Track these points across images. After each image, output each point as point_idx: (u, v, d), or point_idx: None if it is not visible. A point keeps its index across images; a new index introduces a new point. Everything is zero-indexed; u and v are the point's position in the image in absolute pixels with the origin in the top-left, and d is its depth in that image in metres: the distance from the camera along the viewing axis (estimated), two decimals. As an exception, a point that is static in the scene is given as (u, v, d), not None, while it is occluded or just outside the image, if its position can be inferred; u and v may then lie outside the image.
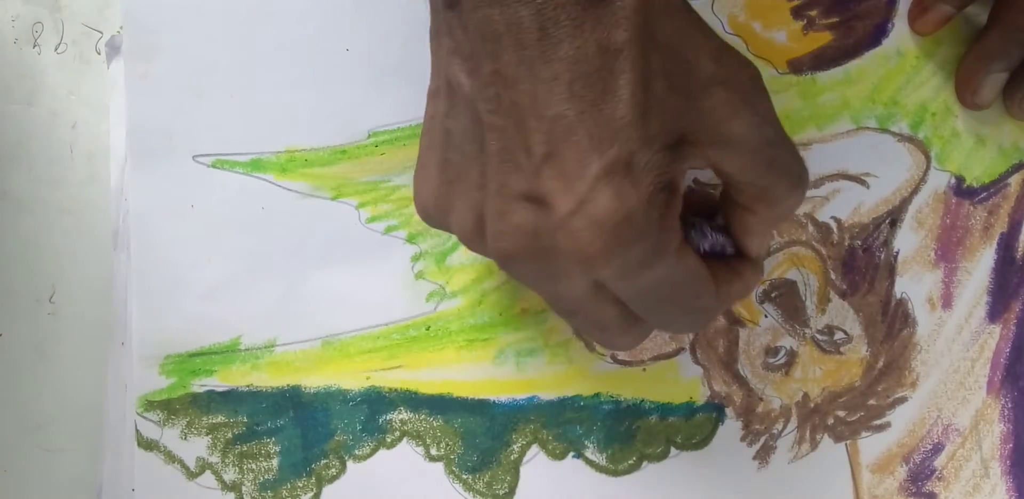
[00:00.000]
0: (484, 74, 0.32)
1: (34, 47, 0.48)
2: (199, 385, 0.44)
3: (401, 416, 0.44)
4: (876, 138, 0.47)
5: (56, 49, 0.48)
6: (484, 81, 0.32)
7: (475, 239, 0.35)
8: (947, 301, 0.46)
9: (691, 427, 0.45)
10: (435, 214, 0.36)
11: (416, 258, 0.45)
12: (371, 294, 0.44)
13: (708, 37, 0.33)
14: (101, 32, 0.48)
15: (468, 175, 0.34)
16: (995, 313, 0.47)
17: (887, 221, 0.46)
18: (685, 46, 0.32)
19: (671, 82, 0.31)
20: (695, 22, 0.33)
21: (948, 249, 0.46)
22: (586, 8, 0.30)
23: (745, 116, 0.32)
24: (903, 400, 0.46)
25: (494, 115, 0.32)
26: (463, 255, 0.45)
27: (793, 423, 0.45)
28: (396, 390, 0.44)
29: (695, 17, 0.33)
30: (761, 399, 0.45)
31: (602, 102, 0.30)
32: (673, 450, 0.44)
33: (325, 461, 0.43)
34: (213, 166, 0.45)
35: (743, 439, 0.45)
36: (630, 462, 0.44)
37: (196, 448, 0.43)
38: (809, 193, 0.46)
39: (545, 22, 0.30)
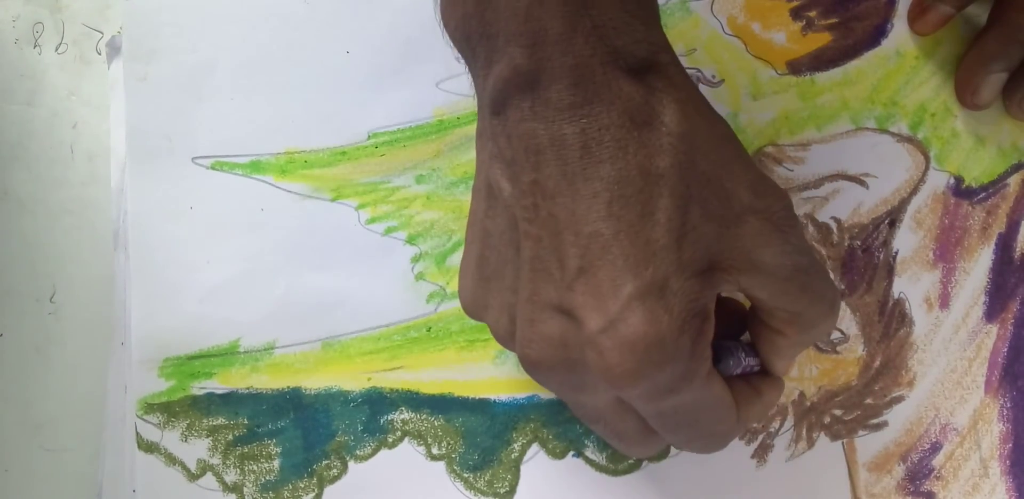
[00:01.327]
0: (524, 183, 0.32)
1: (35, 47, 0.48)
2: (198, 388, 0.44)
3: (402, 416, 0.44)
4: (875, 138, 0.47)
5: (57, 49, 0.48)
6: (523, 190, 0.32)
7: (507, 340, 0.35)
8: (944, 301, 0.46)
9: (690, 427, 0.45)
10: (472, 308, 0.37)
11: (416, 259, 0.45)
12: (371, 295, 0.44)
13: (747, 168, 0.33)
14: (101, 32, 0.48)
15: (503, 276, 0.34)
16: (992, 313, 0.47)
17: (886, 221, 0.46)
18: (725, 176, 0.32)
19: (707, 209, 0.32)
20: (737, 152, 0.33)
21: (947, 249, 0.47)
22: (630, 131, 0.31)
23: (777, 244, 0.33)
24: (900, 399, 0.46)
25: (530, 224, 0.32)
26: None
27: (790, 421, 0.45)
28: (397, 390, 0.44)
29: (737, 147, 0.33)
30: (759, 398, 0.45)
31: (639, 224, 0.31)
32: (672, 449, 0.44)
33: (327, 461, 0.43)
34: (212, 168, 0.45)
35: (741, 438, 0.45)
36: (630, 461, 0.44)
37: (197, 450, 0.43)
38: (808, 193, 0.46)
39: (589, 141, 0.31)
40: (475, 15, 0.32)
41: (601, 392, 0.34)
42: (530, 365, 0.34)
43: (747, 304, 0.37)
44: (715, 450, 0.39)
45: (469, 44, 0.33)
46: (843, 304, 0.46)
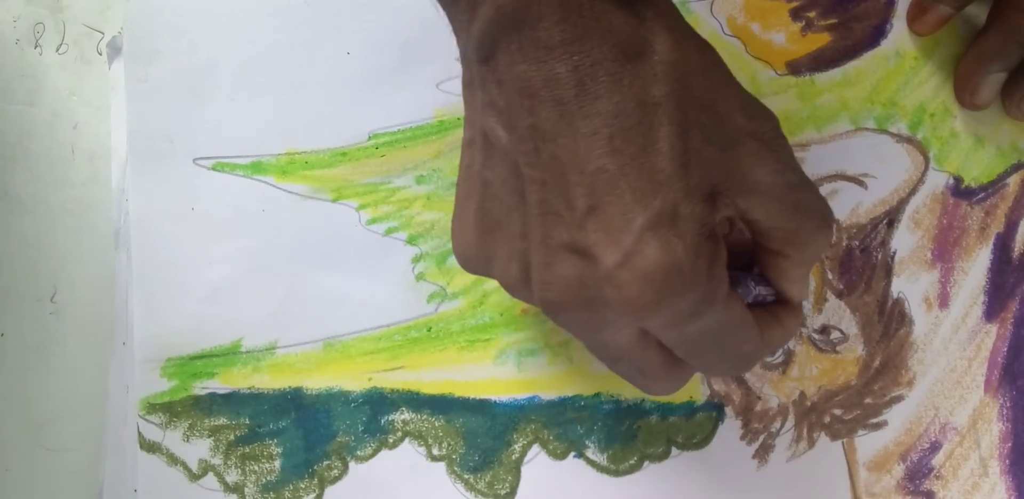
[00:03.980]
0: (521, 128, 0.32)
1: (35, 48, 0.48)
2: (200, 388, 0.44)
3: (403, 416, 0.44)
4: (875, 139, 0.47)
5: (57, 50, 0.48)
6: (521, 135, 0.32)
7: (519, 287, 0.35)
8: (944, 301, 0.46)
9: (692, 426, 0.45)
10: (475, 262, 0.36)
11: (417, 259, 0.45)
12: (372, 296, 0.44)
13: (738, 91, 0.33)
14: (102, 33, 0.48)
15: (509, 225, 0.34)
16: (992, 312, 0.47)
17: (884, 221, 0.46)
18: (718, 100, 0.32)
19: (705, 135, 0.32)
20: (726, 76, 0.33)
21: (945, 249, 0.47)
22: (623, 64, 0.30)
23: (769, 163, 0.33)
24: (899, 399, 0.46)
25: (533, 168, 0.32)
26: (463, 256, 0.45)
27: (791, 421, 0.45)
28: (398, 391, 0.44)
29: (726, 71, 0.33)
30: (759, 398, 0.45)
31: (643, 155, 0.31)
32: (674, 450, 0.44)
33: (327, 462, 0.44)
34: (214, 169, 0.45)
35: (743, 438, 0.45)
36: (631, 462, 0.44)
37: (198, 450, 0.43)
38: (808, 194, 0.46)
39: (583, 78, 0.30)
40: None
41: (623, 328, 0.34)
42: (550, 308, 0.34)
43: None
44: (743, 371, 0.39)
45: None
46: (843, 304, 0.46)
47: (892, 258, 0.46)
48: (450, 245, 0.44)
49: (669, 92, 0.31)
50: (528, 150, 0.32)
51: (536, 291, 0.34)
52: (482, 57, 0.32)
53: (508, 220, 0.34)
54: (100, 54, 0.48)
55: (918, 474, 0.45)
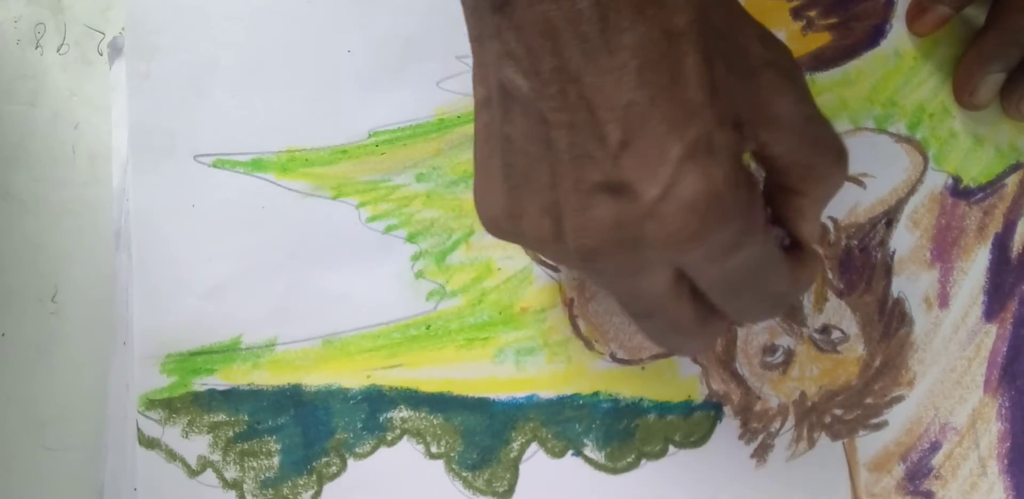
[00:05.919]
0: (544, 72, 0.31)
1: (36, 48, 0.49)
2: (200, 384, 0.44)
3: (402, 414, 0.44)
4: (874, 139, 0.47)
5: (58, 50, 0.49)
6: (545, 79, 0.31)
7: (552, 241, 0.34)
8: (943, 301, 0.46)
9: (689, 425, 0.45)
10: (505, 223, 0.35)
11: (416, 257, 0.45)
12: (371, 293, 0.44)
13: (753, 22, 0.33)
14: (103, 33, 0.48)
15: (537, 177, 0.33)
16: (991, 312, 0.47)
17: (883, 221, 0.46)
18: (736, 30, 0.32)
19: (728, 64, 0.31)
20: (741, 7, 0.33)
21: (944, 249, 0.47)
22: None
23: (789, 93, 0.33)
24: (900, 399, 0.46)
25: (560, 112, 0.31)
26: (463, 254, 0.45)
27: (791, 421, 0.45)
28: (396, 388, 0.44)
29: (740, 4, 0.33)
30: (759, 398, 0.45)
31: (672, 86, 0.30)
32: (672, 448, 0.44)
33: (326, 459, 0.44)
34: (214, 166, 0.45)
35: (741, 437, 0.45)
36: (629, 460, 0.44)
37: (197, 446, 0.43)
38: (807, 193, 0.46)
39: (606, 12, 0.30)
40: None
41: (660, 270, 0.33)
42: (587, 255, 0.33)
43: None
44: (775, 314, 0.38)
45: None
46: (843, 303, 0.46)
47: (891, 258, 0.46)
48: (449, 243, 0.45)
49: (692, 20, 0.31)
50: (553, 94, 0.31)
51: (571, 241, 0.33)
52: (496, 5, 0.32)
53: (536, 172, 0.33)
54: (101, 54, 0.48)
55: (918, 474, 0.45)
